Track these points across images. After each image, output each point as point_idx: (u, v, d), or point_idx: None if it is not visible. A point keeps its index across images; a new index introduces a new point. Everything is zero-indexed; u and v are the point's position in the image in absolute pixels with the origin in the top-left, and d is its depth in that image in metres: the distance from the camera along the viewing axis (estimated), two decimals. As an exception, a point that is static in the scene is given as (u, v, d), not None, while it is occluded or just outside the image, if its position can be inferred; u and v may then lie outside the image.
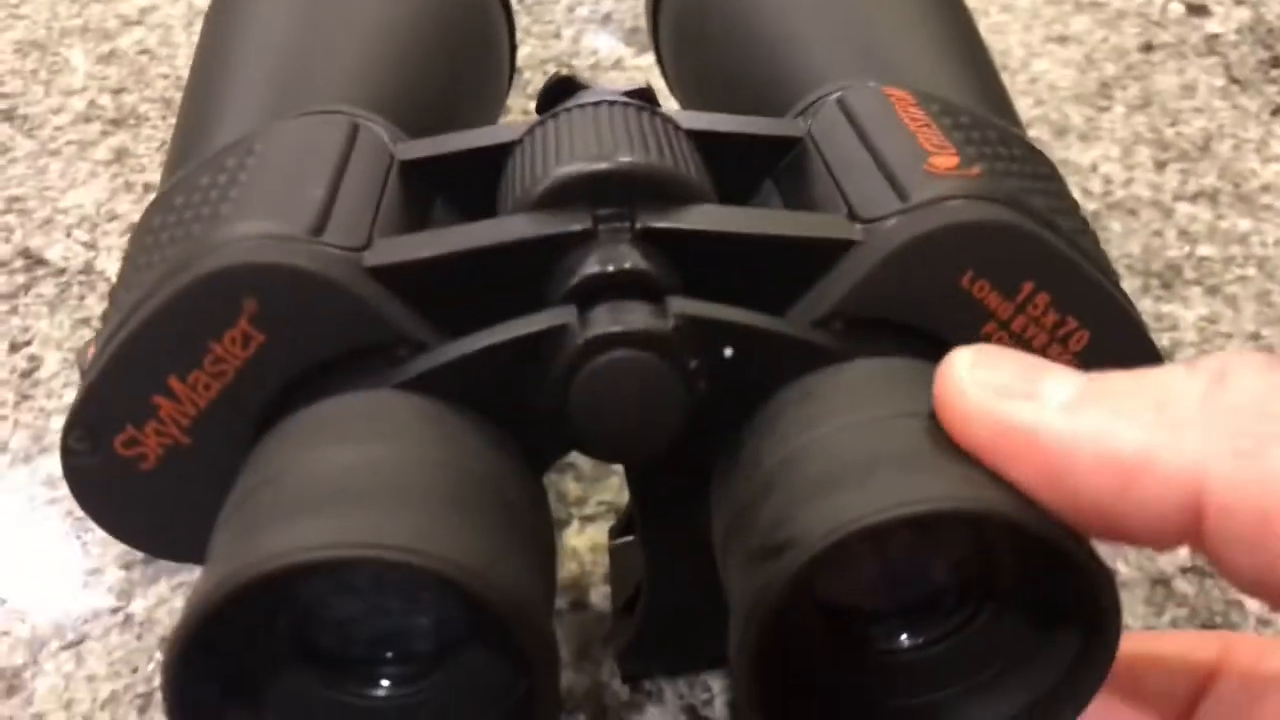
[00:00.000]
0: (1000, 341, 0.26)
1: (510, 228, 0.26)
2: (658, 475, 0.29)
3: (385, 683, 0.24)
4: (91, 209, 0.56)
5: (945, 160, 0.27)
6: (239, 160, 0.29)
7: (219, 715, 0.22)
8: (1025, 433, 0.20)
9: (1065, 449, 0.20)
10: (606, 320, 0.24)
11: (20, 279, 0.52)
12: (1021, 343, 0.26)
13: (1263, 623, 0.38)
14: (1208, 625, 0.38)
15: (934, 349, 0.26)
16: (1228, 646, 0.24)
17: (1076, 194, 0.54)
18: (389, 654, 0.24)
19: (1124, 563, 0.39)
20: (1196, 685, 0.24)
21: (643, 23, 0.66)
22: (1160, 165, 0.56)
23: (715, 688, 0.36)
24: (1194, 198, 0.54)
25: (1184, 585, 0.39)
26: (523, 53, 0.61)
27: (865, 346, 0.25)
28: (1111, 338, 0.27)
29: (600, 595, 0.39)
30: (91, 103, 0.63)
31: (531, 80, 0.63)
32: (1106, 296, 0.26)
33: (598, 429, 0.24)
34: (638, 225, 0.26)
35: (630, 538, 0.37)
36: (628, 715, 0.36)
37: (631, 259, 0.25)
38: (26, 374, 0.48)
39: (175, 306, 0.25)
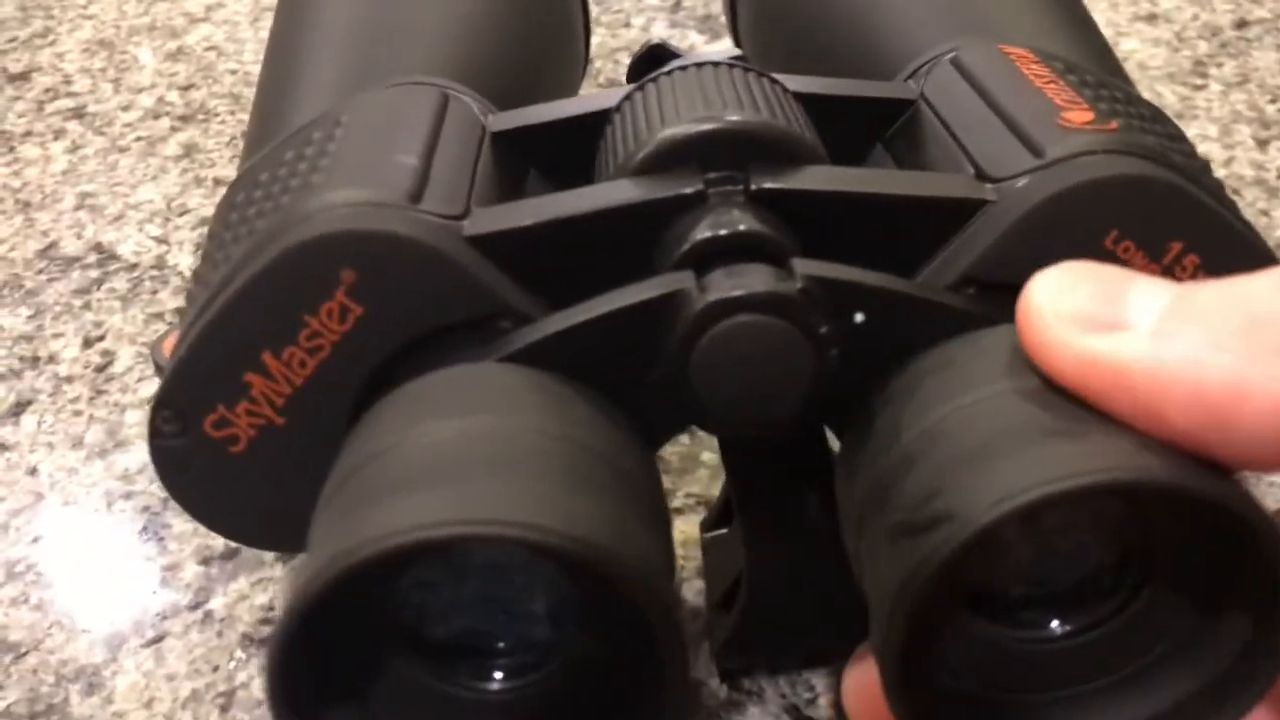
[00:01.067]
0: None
1: (615, 193, 0.25)
2: (764, 453, 0.28)
3: (498, 674, 0.22)
4: (162, 204, 0.55)
5: (1080, 115, 0.25)
6: (326, 132, 0.28)
7: (323, 709, 0.21)
8: (1112, 368, 0.19)
9: (1153, 383, 0.19)
10: (727, 284, 0.22)
11: (93, 274, 0.51)
12: (1170, 309, 0.24)
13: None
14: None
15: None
16: None
17: (1176, 173, 0.52)
18: (502, 643, 0.22)
19: None
20: None
21: (714, 9, 0.65)
22: (1262, 144, 0.54)
23: (819, 686, 0.35)
24: (1300, 175, 0.52)
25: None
26: (593, 42, 0.60)
27: (1004, 312, 0.23)
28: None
29: (693, 590, 0.38)
30: (160, 99, 0.62)
31: (602, 69, 0.62)
32: (1261, 257, 0.25)
33: (719, 400, 0.23)
34: (752, 187, 0.24)
35: (724, 530, 0.36)
36: (727, 715, 0.34)
37: (746, 221, 0.24)
38: (100, 369, 0.47)
39: (267, 279, 0.24)
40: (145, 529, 0.41)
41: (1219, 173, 0.52)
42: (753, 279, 0.22)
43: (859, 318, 0.23)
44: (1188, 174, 0.25)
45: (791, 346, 0.22)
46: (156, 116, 0.61)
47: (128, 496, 0.42)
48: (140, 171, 0.57)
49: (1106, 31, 0.62)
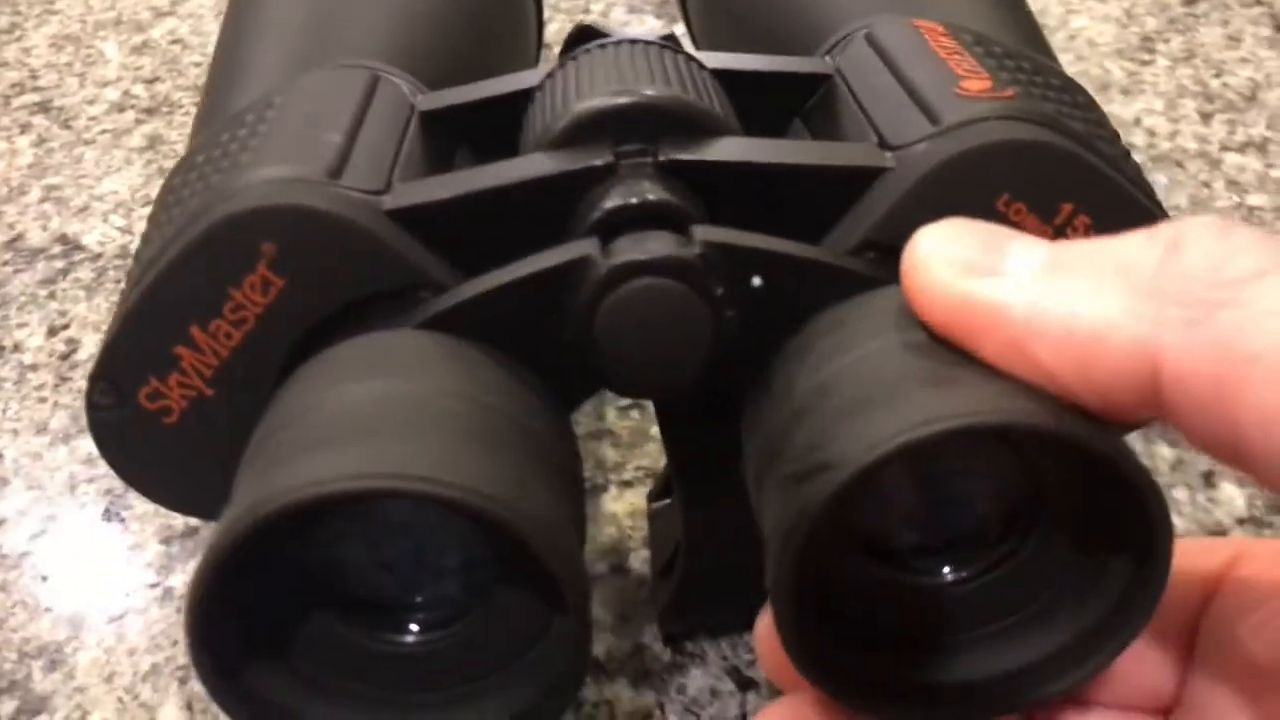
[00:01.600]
0: (1040, 267, 0.25)
1: (530, 166, 0.26)
2: (692, 419, 0.29)
3: (414, 627, 0.23)
4: (127, 195, 0.56)
5: (978, 84, 0.26)
6: (258, 114, 0.29)
7: (243, 662, 0.22)
8: (988, 308, 0.20)
9: (1025, 323, 0.20)
10: (630, 249, 0.23)
11: (58, 264, 0.52)
12: (1062, 268, 0.25)
13: (1326, 570, 0.36)
14: (1268, 575, 0.36)
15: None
16: (1238, 555, 0.23)
17: (1120, 147, 0.52)
18: (417, 597, 0.23)
19: (1178, 515, 0.38)
20: (1203, 596, 0.23)
21: (672, -5, 0.66)
22: (1206, 117, 0.55)
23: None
24: (1242, 148, 0.53)
25: (1240, 535, 0.37)
26: (551, 29, 0.60)
27: (899, 274, 0.24)
28: (1156, 261, 0.25)
29: (640, 560, 0.39)
30: (126, 93, 0.63)
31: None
32: (1150, 218, 0.25)
33: (624, 361, 0.24)
34: (661, 158, 0.25)
35: (668, 500, 0.37)
36: (670, 677, 0.35)
37: (654, 191, 0.25)
38: (64, 356, 0.48)
39: (193, 254, 0.25)
40: (108, 510, 0.42)
41: (1163, 146, 0.53)
42: (653, 244, 0.23)
43: (757, 281, 0.24)
44: (1081, 139, 0.26)
45: (689, 309, 0.23)
46: (121, 109, 0.62)
47: (90, 480, 0.43)
48: (105, 163, 0.58)
49: (1057, 10, 0.63)
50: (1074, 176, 0.25)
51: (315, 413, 0.21)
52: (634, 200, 0.24)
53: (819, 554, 0.21)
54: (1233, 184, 0.51)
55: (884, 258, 0.25)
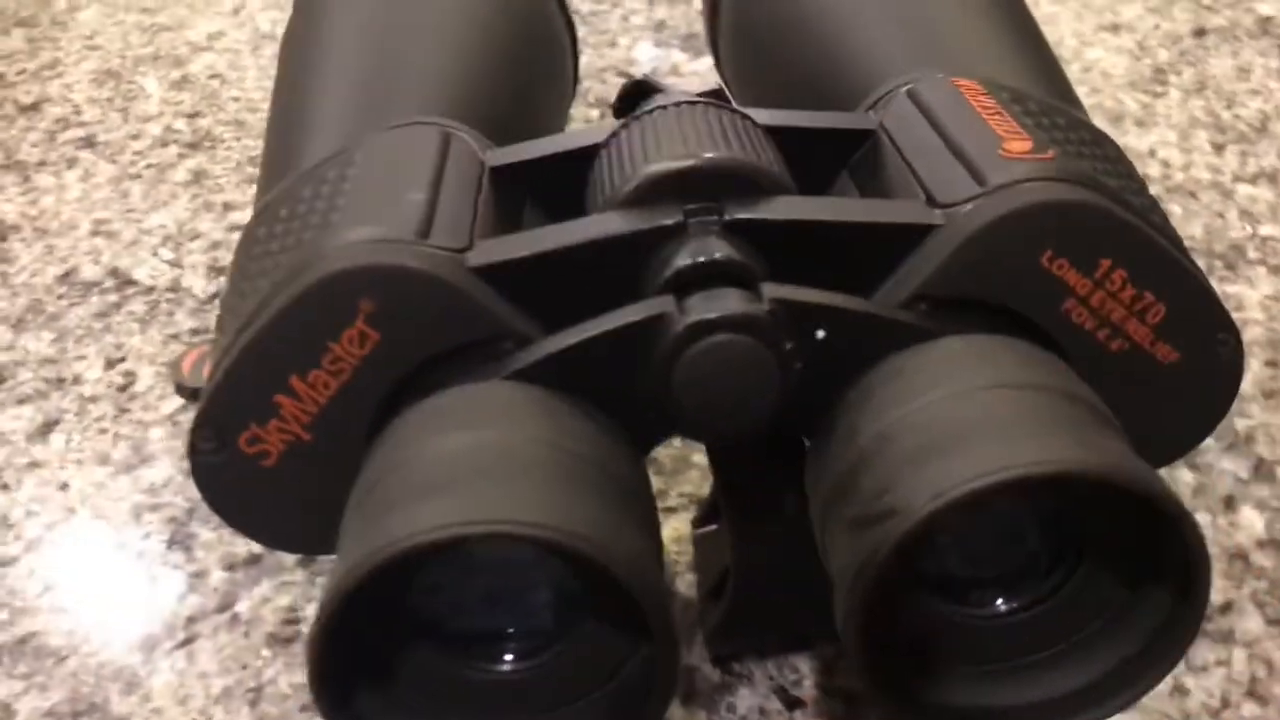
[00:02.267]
0: (1080, 317, 0.27)
1: (604, 225, 0.28)
2: (746, 456, 0.30)
3: (509, 657, 0.25)
4: (174, 228, 0.58)
5: (1019, 144, 0.28)
6: (340, 171, 0.31)
7: (353, 692, 0.24)
8: None
9: None
10: (704, 307, 0.25)
11: (112, 298, 0.54)
12: (1100, 318, 0.27)
13: (1342, 591, 0.38)
14: (1287, 596, 0.38)
15: (1017, 326, 0.27)
16: None
17: (1136, 179, 0.54)
18: (511, 629, 0.25)
19: (1200, 537, 0.40)
20: None
21: (696, 29, 0.68)
22: (1219, 148, 0.57)
23: (804, 668, 0.37)
24: (1254, 178, 0.55)
25: (1261, 558, 0.39)
26: (581, 62, 0.62)
27: (950, 326, 0.26)
28: (1187, 310, 0.27)
29: (686, 583, 0.40)
30: (168, 127, 0.65)
31: (591, 88, 0.64)
32: (1181, 271, 0.27)
33: (698, 410, 0.26)
34: (726, 217, 0.27)
35: (714, 526, 0.39)
36: (719, 697, 0.37)
37: (722, 249, 0.27)
38: (123, 388, 0.50)
39: (296, 309, 0.26)
40: (172, 539, 0.44)
41: (1177, 178, 0.55)
42: (726, 302, 0.25)
43: (820, 334, 0.26)
44: (1116, 196, 0.28)
45: (760, 361, 0.25)
46: (164, 144, 0.64)
47: (154, 509, 0.45)
48: (151, 198, 0.60)
49: (1071, 42, 0.65)
50: (1111, 233, 0.27)
51: (417, 461, 0.23)
52: (703, 259, 0.26)
53: (882, 591, 0.23)
54: (1245, 214, 0.53)
55: (935, 310, 0.27)
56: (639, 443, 0.27)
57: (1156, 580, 0.23)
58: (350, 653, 0.23)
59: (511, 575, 0.25)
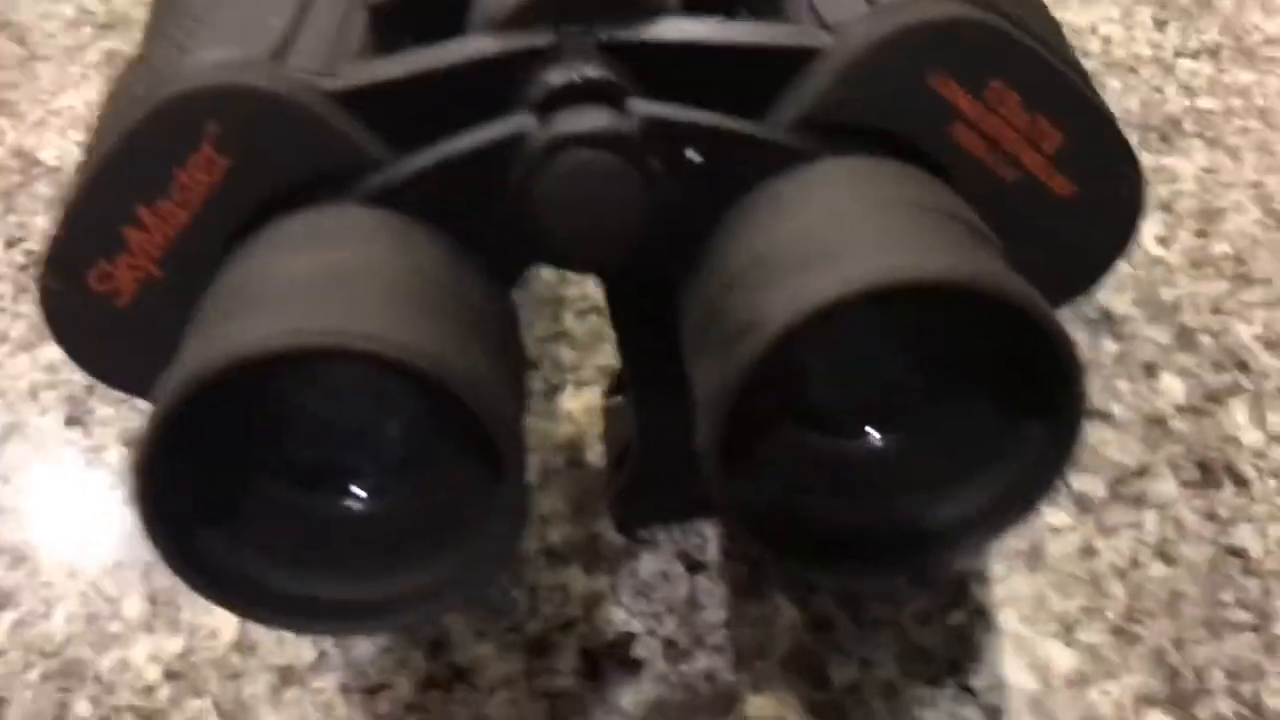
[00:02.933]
0: (969, 142, 0.26)
1: (474, 46, 0.26)
2: (642, 309, 0.29)
3: (359, 492, 0.24)
4: (84, 110, 0.56)
5: (913, -36, 0.26)
6: (204, 3, 0.29)
7: (195, 528, 0.22)
8: None
9: None
10: (567, 123, 0.24)
11: (16, 178, 0.52)
12: (991, 144, 0.26)
13: (1258, 455, 0.38)
14: (1203, 463, 0.38)
15: (907, 154, 0.26)
16: None
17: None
18: (361, 462, 0.24)
19: (1119, 404, 0.39)
20: None
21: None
22: (1161, 24, 0.55)
23: (708, 534, 0.37)
24: (1195, 54, 0.53)
25: (1180, 424, 0.39)
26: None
27: (835, 151, 0.25)
28: (1086, 140, 0.26)
29: (596, 454, 0.39)
30: (81, 8, 0.62)
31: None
32: (1081, 98, 0.26)
33: (560, 232, 0.24)
34: (602, 37, 0.26)
35: (622, 397, 0.38)
36: (623, 561, 0.36)
37: (595, 69, 0.25)
38: (23, 268, 0.48)
39: (137, 135, 0.25)
40: (70, 416, 0.42)
41: (1117, 53, 0.53)
42: (590, 118, 0.24)
43: (693, 155, 0.24)
44: (1013, 18, 0.26)
45: (625, 181, 0.24)
46: (77, 26, 0.61)
47: (52, 387, 0.43)
48: (61, 79, 0.58)
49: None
50: (1003, 54, 0.25)
51: (257, 280, 0.22)
52: (575, 78, 0.25)
53: (749, 420, 0.21)
54: (1185, 88, 0.51)
55: (819, 135, 0.25)
56: (505, 272, 0.25)
57: (1033, 409, 0.22)
58: (188, 485, 0.22)
59: (360, 402, 0.24)
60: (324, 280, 0.22)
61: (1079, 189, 0.27)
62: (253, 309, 0.21)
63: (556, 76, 0.25)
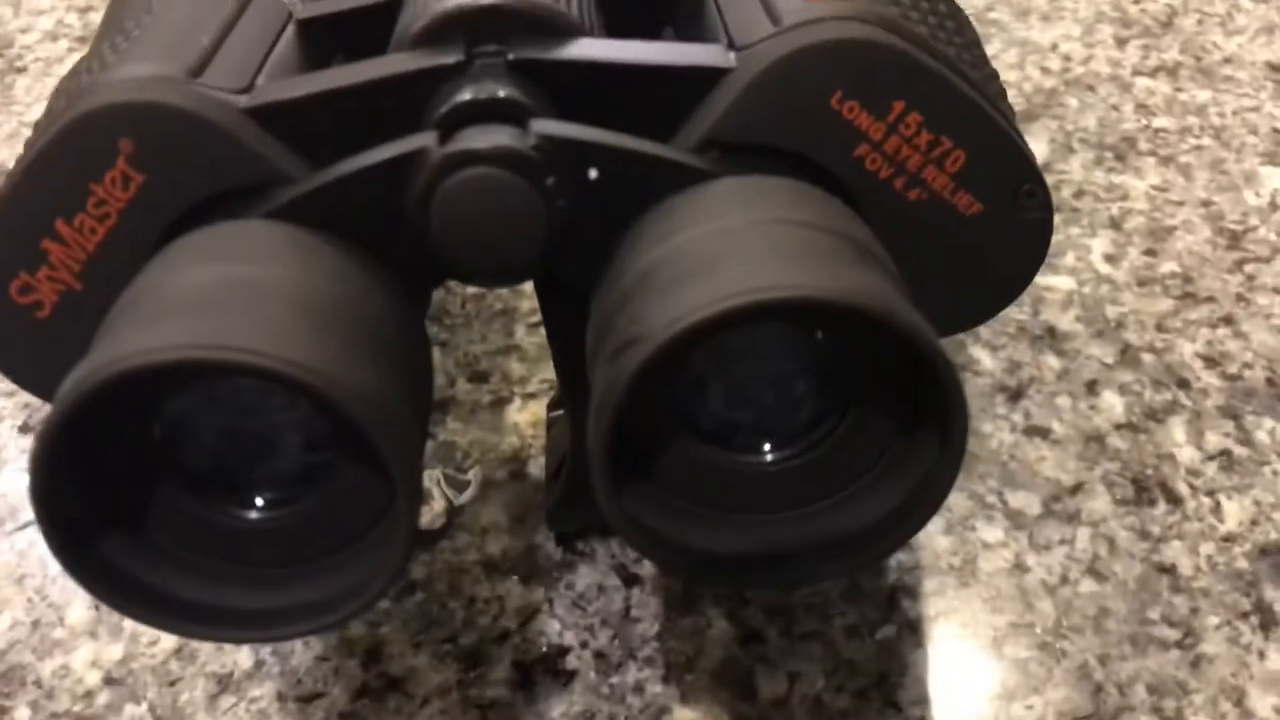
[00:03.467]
0: (874, 163, 0.26)
1: (385, 65, 0.27)
2: (569, 320, 0.30)
3: (259, 501, 0.24)
4: (56, 121, 0.56)
5: (823, -11, 0.27)
6: (136, 18, 0.30)
7: (95, 534, 0.23)
8: None
9: None
10: (465, 141, 0.24)
11: (-15, 189, 0.53)
12: (895, 164, 0.26)
13: (1192, 473, 0.38)
14: (1139, 479, 0.38)
15: (811, 176, 0.26)
16: None
17: (1034, 73, 0.53)
18: (261, 474, 0.24)
19: (1058, 421, 0.39)
20: None
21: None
22: (1121, 42, 0.55)
23: (644, 546, 0.37)
24: (1154, 72, 0.53)
25: (1117, 441, 0.39)
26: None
27: (740, 172, 0.25)
28: (990, 159, 0.27)
29: (538, 466, 0.40)
30: (59, 21, 0.63)
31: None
32: (984, 117, 0.26)
33: (460, 249, 0.25)
34: (511, 56, 0.26)
35: (563, 411, 0.38)
36: (560, 574, 0.37)
37: (502, 88, 0.25)
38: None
39: (54, 149, 0.25)
40: (26, 425, 0.43)
41: (1077, 71, 0.54)
42: (489, 136, 0.24)
43: (593, 174, 0.25)
44: (921, 41, 0.26)
45: (521, 198, 0.24)
46: (54, 39, 0.62)
47: (9, 394, 0.44)
48: (36, 91, 0.59)
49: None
50: (904, 75, 0.26)
51: (156, 291, 0.22)
52: (481, 96, 0.25)
53: (643, 430, 0.22)
54: (1141, 107, 0.52)
55: (724, 156, 0.26)
56: (413, 287, 0.26)
57: (923, 426, 0.23)
58: (87, 492, 0.22)
59: (260, 417, 0.24)
60: (216, 294, 0.22)
61: (985, 208, 0.27)
62: (145, 321, 0.21)
63: (463, 94, 0.26)
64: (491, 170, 0.24)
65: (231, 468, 0.24)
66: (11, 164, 0.53)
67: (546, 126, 0.25)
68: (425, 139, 0.25)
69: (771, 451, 0.24)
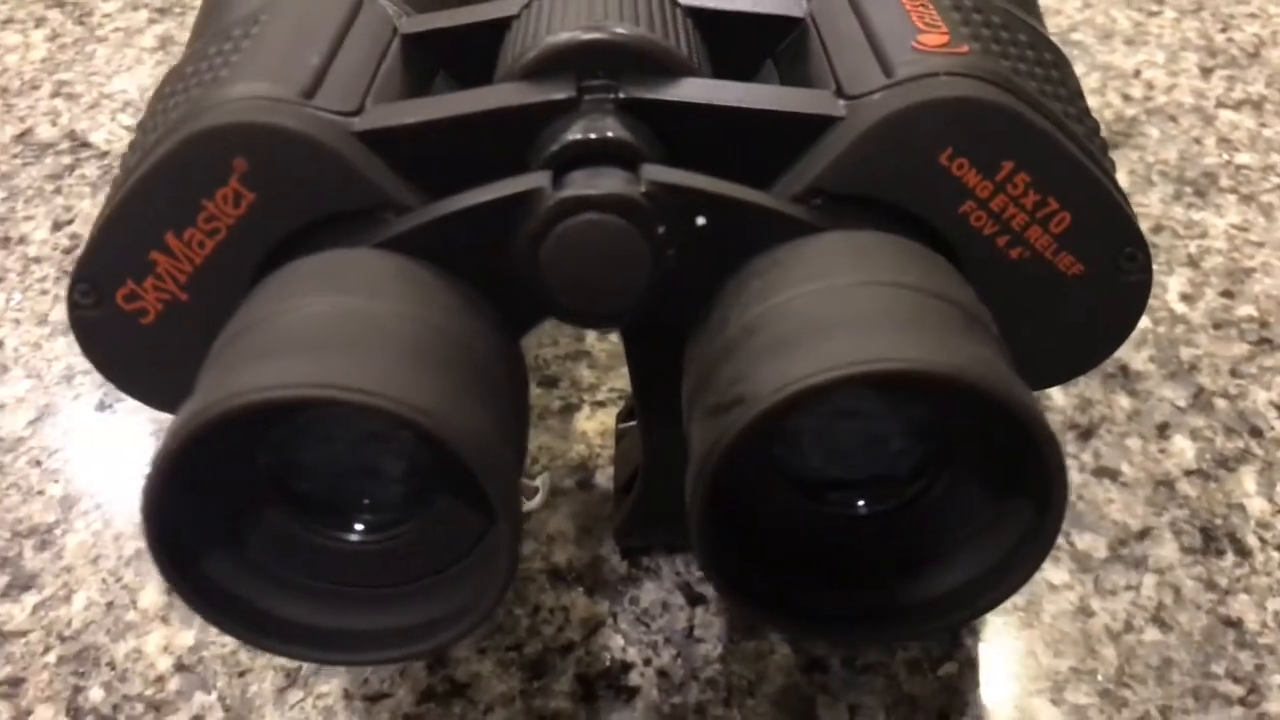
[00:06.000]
0: (979, 221, 0.26)
1: (496, 95, 0.27)
2: (653, 349, 0.30)
3: (360, 527, 0.25)
4: (135, 94, 0.57)
5: (934, 38, 0.27)
6: (244, 30, 0.30)
7: (200, 553, 0.23)
8: None
9: None
10: (579, 184, 0.24)
11: (66, 160, 0.54)
12: (1000, 223, 0.26)
13: (1262, 525, 0.38)
14: (1208, 528, 0.38)
15: (915, 228, 0.26)
16: None
17: (1115, 99, 0.53)
18: (364, 500, 0.25)
19: (1128, 463, 0.39)
20: None
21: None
22: (1206, 72, 0.55)
23: (709, 567, 0.37)
24: (1238, 105, 0.53)
25: (1187, 487, 0.39)
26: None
27: (842, 222, 0.25)
28: (1094, 221, 0.26)
29: (606, 476, 0.40)
30: (140, -9, 0.64)
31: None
32: (1091, 180, 0.26)
33: (566, 291, 0.25)
34: (621, 95, 0.26)
35: (634, 422, 0.38)
36: (625, 588, 0.37)
37: (612, 128, 0.26)
38: (68, 251, 0.49)
39: (169, 164, 0.26)
40: (101, 402, 0.44)
41: (1159, 99, 0.53)
42: (602, 181, 0.24)
43: (701, 221, 0.25)
44: (1029, 98, 0.26)
45: (631, 244, 0.24)
46: (135, 8, 0.63)
47: (87, 372, 0.44)
48: (116, 62, 0.59)
49: (1068, -45, 0.62)
50: (1016, 135, 0.26)
51: (271, 322, 0.23)
52: (591, 136, 0.25)
53: (741, 483, 0.22)
54: (1224, 141, 0.51)
55: (829, 204, 0.26)
56: (513, 323, 0.26)
57: (1020, 491, 0.23)
58: (195, 513, 0.23)
59: (365, 446, 0.24)
60: (332, 328, 0.22)
61: (1086, 269, 0.27)
62: (261, 356, 0.22)
63: (575, 133, 0.26)
64: (605, 216, 0.24)
65: (335, 494, 0.25)
66: (92, 134, 0.54)
67: (658, 173, 0.25)
68: (539, 179, 0.25)
69: (866, 507, 0.24)
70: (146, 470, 0.22)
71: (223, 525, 0.24)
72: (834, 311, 0.22)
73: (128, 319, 0.27)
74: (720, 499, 0.22)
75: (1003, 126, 0.25)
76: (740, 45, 0.31)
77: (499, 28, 0.30)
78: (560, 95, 0.26)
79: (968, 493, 0.24)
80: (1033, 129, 0.26)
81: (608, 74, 0.27)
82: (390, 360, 0.22)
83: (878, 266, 0.23)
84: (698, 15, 0.30)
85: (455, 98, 0.27)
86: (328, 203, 0.26)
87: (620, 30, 0.27)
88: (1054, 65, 0.30)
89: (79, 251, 0.48)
